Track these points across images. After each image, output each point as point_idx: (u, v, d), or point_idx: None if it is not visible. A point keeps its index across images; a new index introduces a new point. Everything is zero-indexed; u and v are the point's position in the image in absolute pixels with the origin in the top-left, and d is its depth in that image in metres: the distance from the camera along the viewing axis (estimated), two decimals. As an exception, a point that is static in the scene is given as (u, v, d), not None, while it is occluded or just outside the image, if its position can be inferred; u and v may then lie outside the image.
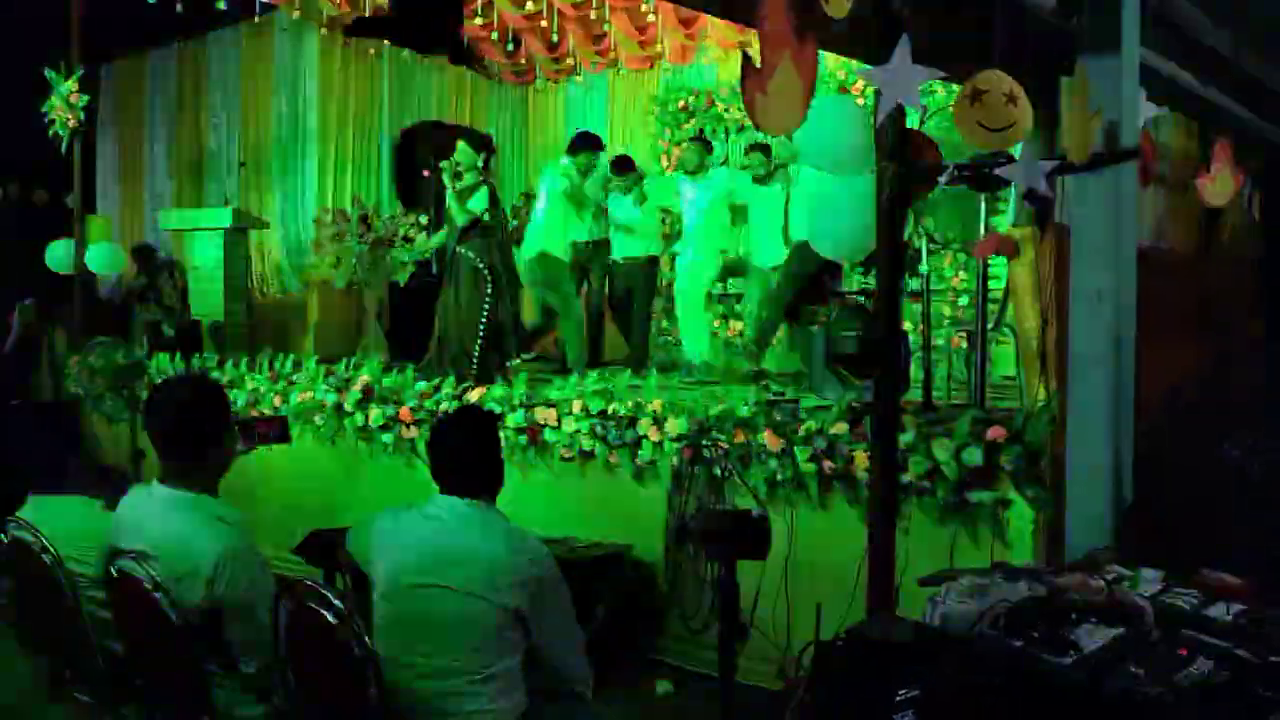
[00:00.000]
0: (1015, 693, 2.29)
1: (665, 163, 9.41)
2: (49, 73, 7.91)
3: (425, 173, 7.51)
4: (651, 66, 9.66)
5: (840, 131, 4.39)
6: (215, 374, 6.91)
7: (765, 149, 7.24)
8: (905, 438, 4.14)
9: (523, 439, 5.32)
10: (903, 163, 3.55)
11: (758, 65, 3.23)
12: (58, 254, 8.29)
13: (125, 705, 3.01)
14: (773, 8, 3.26)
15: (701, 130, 8.94)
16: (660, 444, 4.92)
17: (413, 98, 9.83)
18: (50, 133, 7.99)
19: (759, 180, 7.03)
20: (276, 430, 3.52)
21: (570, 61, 9.90)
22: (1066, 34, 3.70)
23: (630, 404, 5.11)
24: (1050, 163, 3.38)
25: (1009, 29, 3.39)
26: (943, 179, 3.50)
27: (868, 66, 3.28)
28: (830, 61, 8.24)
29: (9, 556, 3.16)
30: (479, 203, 6.33)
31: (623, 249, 7.54)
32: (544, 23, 8.96)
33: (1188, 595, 2.71)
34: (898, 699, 2.13)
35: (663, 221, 7.87)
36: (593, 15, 8.70)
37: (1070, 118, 3.37)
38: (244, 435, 3.39)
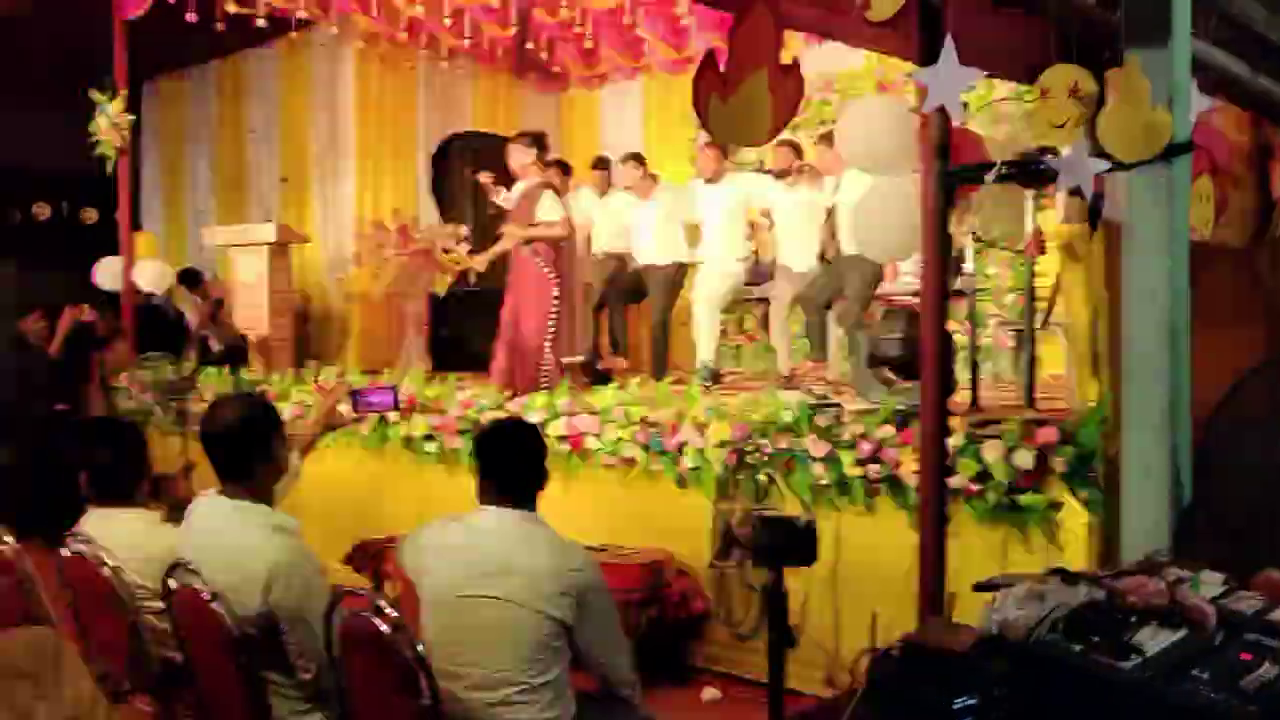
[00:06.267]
0: (1077, 699, 2.25)
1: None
2: (94, 93, 8.03)
3: (471, 172, 7.36)
4: (685, 70, 9.63)
5: (883, 131, 4.34)
6: (261, 388, 6.96)
7: (795, 146, 7.10)
8: (954, 440, 4.09)
9: (565, 447, 5.31)
10: (948, 161, 3.52)
11: (721, 67, 3.17)
12: (106, 271, 8.41)
13: (184, 713, 3.04)
14: (758, 18, 3.22)
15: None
16: (703, 450, 4.89)
17: (448, 108, 9.88)
18: (96, 152, 8.11)
19: (783, 178, 6.90)
20: (388, 399, 3.58)
21: (603, 67, 9.91)
22: (1112, 26, 3.64)
23: (673, 410, 5.09)
24: (1098, 161, 3.32)
25: (1053, 23, 3.34)
26: (989, 176, 3.46)
27: (906, 65, 3.26)
28: (871, 60, 8.17)
29: (69, 569, 3.21)
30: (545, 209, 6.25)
31: (645, 257, 7.49)
32: (578, 28, 8.97)
33: (1250, 598, 2.65)
34: (955, 708, 2.10)
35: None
36: (626, 20, 8.70)
37: (1118, 112, 3.31)
38: (355, 405, 3.48)
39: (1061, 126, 3.20)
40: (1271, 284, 4.94)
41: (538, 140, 6.44)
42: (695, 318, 7.03)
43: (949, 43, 3.02)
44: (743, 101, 3.20)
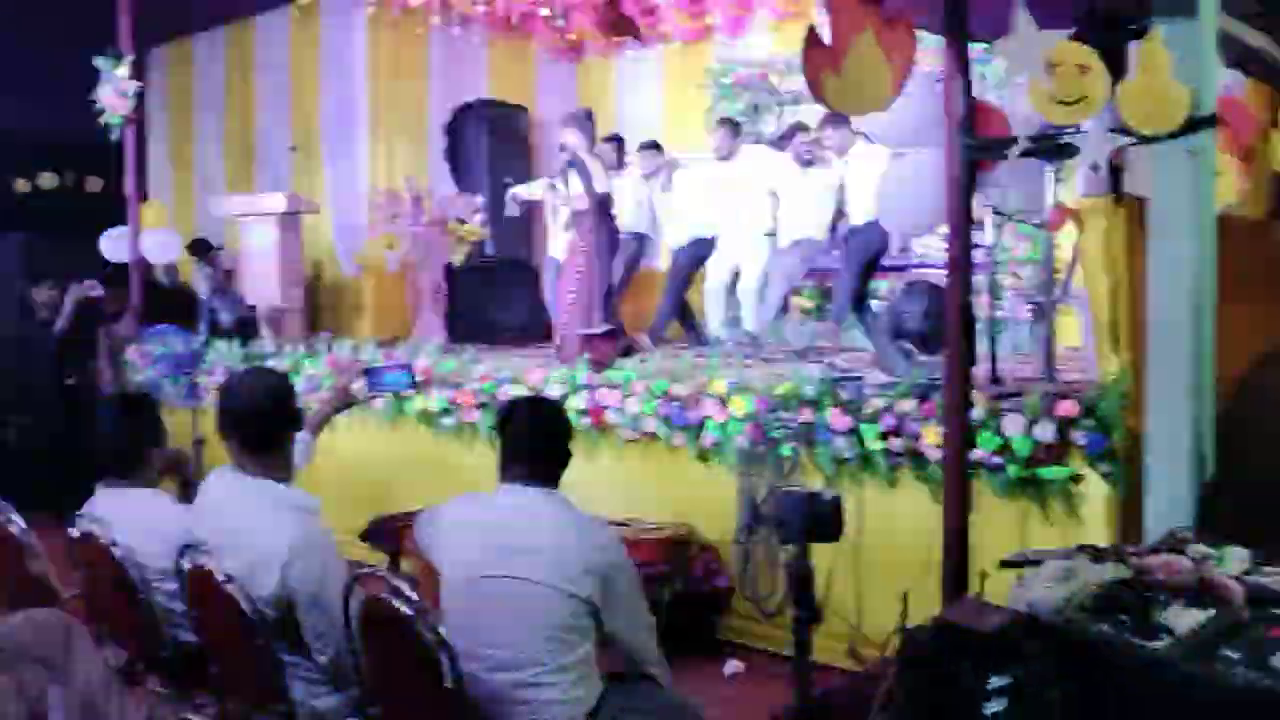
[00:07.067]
0: (1108, 680, 2.24)
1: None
2: (98, 60, 7.92)
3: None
4: (704, 38, 9.52)
5: (906, 105, 4.27)
6: (272, 360, 6.93)
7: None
8: (975, 413, 4.06)
9: (586, 421, 5.28)
10: (972, 135, 3.47)
11: (825, 39, 3.12)
12: (113, 242, 8.34)
13: (199, 694, 3.02)
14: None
15: (735, 115, 8.72)
16: (725, 424, 4.87)
17: (461, 76, 9.78)
18: (101, 120, 8.01)
19: (806, 163, 6.87)
20: (403, 379, 3.54)
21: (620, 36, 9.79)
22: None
23: (694, 384, 5.06)
24: (1121, 137, 3.27)
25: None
26: (1012, 151, 3.41)
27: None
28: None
29: (79, 549, 3.17)
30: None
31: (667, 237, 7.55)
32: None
33: (1276, 574, 2.64)
34: (989, 687, 2.09)
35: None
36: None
37: (1140, 86, 3.26)
38: (370, 384, 3.44)
39: (1069, 103, 3.13)
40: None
41: (581, 119, 6.64)
42: (706, 292, 7.09)
43: (1022, 7, 2.95)
44: (855, 68, 3.13)
